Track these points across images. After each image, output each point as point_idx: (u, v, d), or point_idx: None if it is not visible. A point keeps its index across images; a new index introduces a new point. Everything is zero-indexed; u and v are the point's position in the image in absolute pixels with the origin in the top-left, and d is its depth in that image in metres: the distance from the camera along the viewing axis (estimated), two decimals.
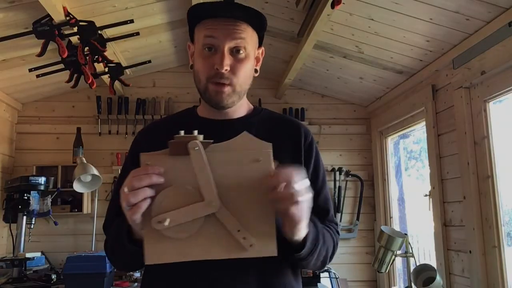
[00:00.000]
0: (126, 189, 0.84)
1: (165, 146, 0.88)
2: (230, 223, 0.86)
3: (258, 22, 1.08)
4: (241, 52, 1.04)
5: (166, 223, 0.84)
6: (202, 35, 1.05)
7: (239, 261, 0.89)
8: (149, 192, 0.84)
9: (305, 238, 0.96)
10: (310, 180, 1.12)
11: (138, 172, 0.85)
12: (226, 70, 1.03)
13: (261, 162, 0.88)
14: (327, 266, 1.16)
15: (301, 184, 0.87)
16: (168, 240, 0.86)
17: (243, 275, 1.00)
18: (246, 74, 1.07)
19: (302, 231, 0.93)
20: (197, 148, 0.85)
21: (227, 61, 1.02)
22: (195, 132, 0.88)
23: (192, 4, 2.46)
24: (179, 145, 0.86)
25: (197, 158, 0.86)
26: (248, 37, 1.05)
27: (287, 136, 1.14)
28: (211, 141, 0.88)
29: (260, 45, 1.14)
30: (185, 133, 0.87)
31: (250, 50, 1.06)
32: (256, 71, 1.13)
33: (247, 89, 1.11)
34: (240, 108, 1.15)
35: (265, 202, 0.87)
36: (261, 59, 1.16)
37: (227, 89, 1.05)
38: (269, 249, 0.87)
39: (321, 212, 1.13)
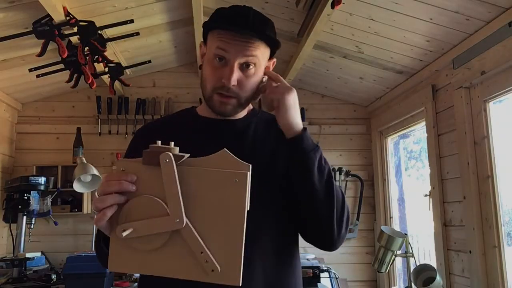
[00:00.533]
0: (96, 193, 0.84)
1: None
2: (193, 243, 0.82)
3: (272, 44, 1.09)
4: (251, 67, 1.05)
5: (126, 233, 0.82)
6: (215, 45, 1.04)
7: (245, 260, 0.88)
8: (117, 198, 0.83)
9: (304, 130, 1.04)
10: None
11: (111, 178, 0.84)
12: (233, 85, 1.03)
13: (237, 183, 0.83)
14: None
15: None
16: (132, 250, 0.84)
17: (248, 273, 1.00)
18: (252, 88, 1.08)
19: (298, 119, 1.04)
20: (168, 160, 0.82)
21: (235, 76, 1.03)
22: (172, 143, 0.84)
23: (192, 5, 2.48)
24: (152, 154, 0.83)
25: (167, 171, 0.82)
26: (260, 54, 1.06)
27: (282, 136, 1.15)
28: (187, 155, 0.84)
29: (271, 57, 1.14)
30: (161, 143, 0.83)
31: (259, 64, 1.07)
32: (262, 81, 1.12)
33: (251, 100, 1.11)
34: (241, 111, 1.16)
35: (236, 227, 0.82)
36: (271, 69, 1.15)
37: (232, 102, 1.06)
38: (232, 277, 0.82)
39: None
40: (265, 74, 1.08)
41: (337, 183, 3.69)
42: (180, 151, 0.85)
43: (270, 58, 1.13)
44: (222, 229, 0.83)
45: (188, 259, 0.83)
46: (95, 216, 0.83)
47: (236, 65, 1.03)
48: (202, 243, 0.82)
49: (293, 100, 1.03)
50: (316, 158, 1.03)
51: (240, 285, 0.82)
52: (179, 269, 0.83)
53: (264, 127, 1.16)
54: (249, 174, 0.84)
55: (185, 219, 0.82)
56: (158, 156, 0.82)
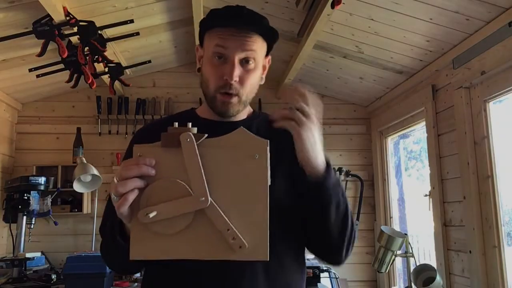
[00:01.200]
0: (115, 179, 0.83)
1: None
2: (219, 222, 0.82)
3: (270, 36, 1.09)
4: (251, 62, 1.05)
5: (152, 215, 0.81)
6: (213, 44, 1.05)
7: (248, 264, 0.87)
8: (138, 183, 0.82)
9: (327, 164, 0.97)
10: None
11: (129, 163, 0.83)
12: (235, 81, 1.03)
13: (257, 158, 0.83)
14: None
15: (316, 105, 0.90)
16: (154, 235, 0.82)
17: (252, 273, 0.99)
18: (253, 84, 1.08)
19: (320, 153, 0.95)
20: (189, 140, 0.82)
21: (237, 72, 1.03)
22: (189, 124, 0.85)
23: (192, 5, 2.48)
24: (172, 136, 0.83)
25: (188, 150, 0.82)
26: (258, 48, 1.06)
27: (286, 140, 1.14)
28: (205, 135, 0.85)
29: (267, 54, 1.14)
30: (179, 126, 0.84)
31: (259, 60, 1.07)
32: (262, 79, 1.13)
33: (252, 97, 1.11)
34: (242, 112, 1.15)
35: (260, 202, 0.83)
36: (267, 67, 1.16)
37: (234, 100, 1.06)
38: (260, 252, 0.82)
39: None
40: (283, 94, 1.04)
41: None
42: None
43: (266, 55, 1.14)
44: (246, 205, 0.83)
45: (213, 238, 0.82)
46: (116, 203, 0.82)
47: (236, 60, 1.03)
48: (227, 220, 0.82)
49: (312, 136, 0.93)
50: (335, 198, 0.99)
51: (268, 259, 0.82)
52: (206, 249, 0.83)
53: (266, 129, 1.15)
54: (268, 148, 0.85)
55: (209, 197, 0.82)
56: (177, 138, 0.82)
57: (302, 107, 0.93)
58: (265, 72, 1.16)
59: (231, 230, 0.82)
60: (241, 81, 1.05)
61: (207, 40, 1.09)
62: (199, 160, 0.82)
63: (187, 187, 0.82)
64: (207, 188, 0.82)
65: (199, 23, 1.11)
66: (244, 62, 1.05)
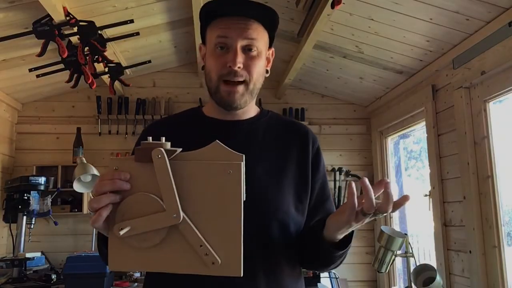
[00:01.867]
0: (91, 194, 0.84)
1: (172, 146, 0.86)
2: (192, 237, 0.82)
3: (270, 21, 1.08)
4: (253, 50, 1.04)
5: (123, 231, 0.81)
6: (215, 35, 1.05)
7: (248, 262, 0.87)
8: (112, 197, 0.82)
9: (351, 237, 0.98)
10: (319, 187, 1.13)
11: (104, 177, 0.83)
12: (239, 67, 1.02)
13: (231, 174, 0.82)
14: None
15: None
16: (131, 248, 0.83)
17: (252, 275, 0.99)
18: (259, 72, 1.06)
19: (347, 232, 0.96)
20: (160, 156, 0.81)
21: (240, 58, 1.02)
22: (163, 139, 0.83)
23: (192, 5, 2.48)
24: (144, 151, 0.82)
25: (160, 166, 0.81)
26: (260, 36, 1.05)
27: (294, 142, 1.13)
28: (179, 149, 0.83)
29: (270, 46, 1.13)
30: (153, 139, 0.83)
31: (261, 48, 1.06)
32: (267, 71, 1.13)
33: (259, 88, 1.10)
34: (249, 109, 1.14)
35: (233, 218, 0.82)
36: (271, 60, 1.15)
37: (240, 88, 1.04)
38: (233, 268, 0.82)
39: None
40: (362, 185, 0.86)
41: (337, 183, 3.70)
42: (184, 152, 0.84)
43: (269, 47, 1.13)
44: (220, 221, 0.82)
45: (188, 253, 0.82)
46: (91, 217, 0.83)
47: (239, 47, 1.02)
48: (200, 236, 0.82)
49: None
50: (341, 260, 1.05)
51: (242, 275, 0.82)
52: (180, 264, 0.83)
53: (275, 129, 1.14)
54: (243, 164, 0.83)
55: (181, 213, 0.82)
56: (150, 152, 0.81)
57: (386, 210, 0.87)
58: (270, 64, 1.15)
59: (204, 246, 0.82)
60: (246, 67, 1.03)
61: (208, 35, 1.09)
62: (171, 176, 0.82)
63: (161, 202, 0.82)
64: (179, 205, 0.82)
65: (200, 20, 1.11)
66: (247, 49, 1.04)
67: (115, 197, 0.82)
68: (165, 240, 0.83)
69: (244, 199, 0.83)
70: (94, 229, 3.46)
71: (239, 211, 0.82)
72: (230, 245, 0.82)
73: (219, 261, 0.82)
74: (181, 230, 0.82)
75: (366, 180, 0.84)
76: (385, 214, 0.86)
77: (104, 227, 0.84)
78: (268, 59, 1.13)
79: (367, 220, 0.88)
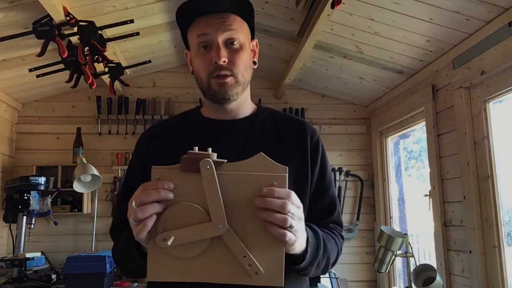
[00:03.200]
0: (134, 204, 0.82)
1: (168, 148, 0.86)
2: (236, 248, 0.83)
3: (245, 11, 1.09)
4: (235, 43, 1.05)
5: (170, 241, 0.81)
6: (195, 36, 1.06)
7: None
8: (157, 207, 0.81)
9: (305, 252, 0.93)
10: (317, 180, 1.12)
11: (148, 187, 0.82)
12: (224, 62, 1.03)
13: (275, 186, 0.83)
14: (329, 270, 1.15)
15: (293, 204, 0.83)
16: (172, 258, 0.83)
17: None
18: (245, 64, 1.07)
19: (297, 248, 0.90)
20: (209, 167, 0.81)
21: (223, 52, 1.03)
22: (209, 149, 0.83)
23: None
24: (191, 161, 0.82)
25: (207, 177, 0.82)
26: (239, 27, 1.06)
27: (292, 136, 1.13)
28: (225, 160, 0.84)
29: (253, 37, 1.14)
30: (199, 150, 0.83)
31: (243, 40, 1.07)
32: (254, 63, 1.14)
33: (248, 80, 1.10)
34: (244, 107, 1.14)
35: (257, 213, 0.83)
36: (257, 51, 1.16)
37: (229, 80, 1.05)
38: (276, 279, 0.83)
39: (325, 213, 1.13)
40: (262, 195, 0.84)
41: (337, 183, 3.70)
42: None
43: (252, 39, 1.14)
44: (263, 232, 0.83)
45: (230, 263, 0.83)
46: (134, 228, 0.82)
47: (220, 42, 1.03)
48: (244, 247, 0.83)
49: (294, 237, 0.85)
50: (313, 268, 0.98)
51: (283, 285, 0.83)
52: (222, 274, 0.84)
53: (273, 126, 1.14)
54: (287, 176, 0.84)
55: (227, 224, 0.82)
56: (197, 163, 0.81)
57: (285, 211, 0.83)
58: (256, 56, 1.15)
59: (247, 256, 0.83)
60: (231, 61, 1.04)
61: (190, 38, 1.10)
62: (218, 187, 0.82)
63: (205, 212, 0.83)
64: (225, 216, 0.82)
65: (178, 26, 1.11)
66: (229, 43, 1.05)
67: (160, 207, 0.82)
68: (207, 251, 0.84)
69: None
70: (94, 229, 3.49)
71: None
72: (272, 256, 0.84)
73: (263, 271, 0.83)
74: (226, 240, 0.83)
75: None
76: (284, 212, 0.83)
77: (146, 238, 0.83)
78: (253, 51, 1.14)
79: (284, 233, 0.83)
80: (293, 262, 0.95)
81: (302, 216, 0.88)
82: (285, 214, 0.82)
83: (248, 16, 1.10)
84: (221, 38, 1.03)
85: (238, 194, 0.83)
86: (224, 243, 0.83)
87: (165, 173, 0.84)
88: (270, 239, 0.83)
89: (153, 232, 0.82)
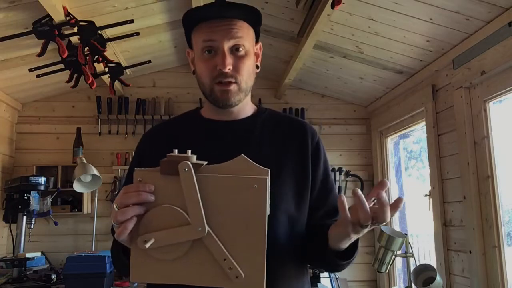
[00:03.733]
0: (115, 206, 0.83)
1: (168, 149, 0.86)
2: (216, 251, 0.82)
3: (253, 18, 1.09)
4: (241, 49, 1.05)
5: (149, 244, 0.81)
6: (200, 40, 1.06)
7: None
8: (137, 210, 0.82)
9: (355, 247, 0.99)
10: (321, 181, 1.13)
11: (129, 189, 0.83)
12: (229, 69, 1.03)
13: (256, 189, 0.82)
14: None
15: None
16: (154, 260, 0.83)
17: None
18: (249, 71, 1.07)
19: (349, 242, 0.96)
20: (187, 169, 0.81)
21: (229, 60, 1.03)
22: (189, 152, 0.84)
23: (192, 5, 2.48)
24: (170, 164, 0.82)
25: (186, 180, 0.81)
26: (245, 34, 1.06)
27: (292, 138, 1.13)
28: (205, 162, 0.84)
29: (257, 41, 1.14)
30: (178, 152, 0.83)
31: (249, 46, 1.07)
32: (257, 67, 1.14)
33: (251, 86, 1.10)
34: (245, 108, 1.15)
35: (257, 233, 0.82)
36: (260, 55, 1.16)
37: (233, 87, 1.05)
38: (256, 282, 0.82)
39: (332, 212, 1.13)
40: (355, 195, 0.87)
41: (337, 183, 3.70)
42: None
43: (256, 42, 1.14)
44: (244, 235, 0.83)
45: (211, 266, 0.83)
46: (116, 230, 0.82)
47: (226, 49, 1.03)
48: (224, 250, 0.82)
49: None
50: (350, 262, 1.04)
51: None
52: (203, 277, 0.83)
53: (273, 126, 1.14)
54: (268, 178, 0.84)
55: (206, 227, 0.82)
56: (176, 166, 0.81)
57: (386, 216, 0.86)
58: (259, 59, 1.16)
59: (228, 260, 0.82)
60: (236, 68, 1.04)
61: (194, 40, 1.10)
62: (197, 190, 0.82)
63: (186, 215, 0.82)
64: (204, 218, 0.82)
65: (183, 26, 1.12)
66: (234, 50, 1.05)
67: (140, 209, 0.82)
68: (188, 253, 0.83)
69: (268, 214, 0.84)
70: (94, 229, 3.49)
71: (263, 225, 0.83)
72: (253, 259, 0.82)
73: (243, 275, 0.82)
74: (206, 243, 0.82)
75: (359, 191, 0.85)
76: (384, 224, 0.86)
77: (128, 239, 0.83)
78: (257, 54, 1.14)
79: (367, 229, 0.88)
80: (343, 254, 0.98)
81: None
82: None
83: (255, 22, 1.10)
84: (227, 45, 1.03)
85: (218, 196, 0.83)
86: (205, 246, 0.83)
87: (146, 175, 0.83)
88: (252, 243, 0.82)
89: (134, 234, 0.82)
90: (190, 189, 0.81)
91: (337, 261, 1.00)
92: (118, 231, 0.82)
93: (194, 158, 0.83)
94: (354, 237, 0.91)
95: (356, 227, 0.87)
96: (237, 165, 0.85)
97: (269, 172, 0.85)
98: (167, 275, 0.84)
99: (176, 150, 0.83)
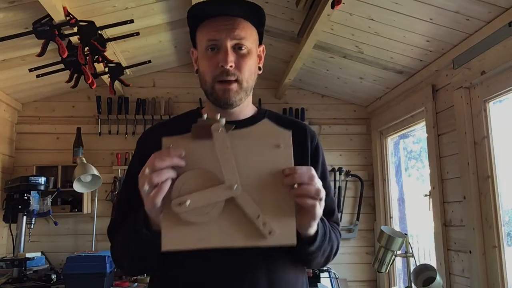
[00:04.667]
0: (147, 170, 0.83)
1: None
2: (250, 209, 0.85)
3: (257, 18, 1.09)
4: (243, 48, 1.06)
5: (187, 204, 0.82)
6: (205, 38, 1.06)
7: (250, 261, 0.87)
8: (171, 173, 0.83)
9: (316, 233, 0.97)
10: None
11: (161, 154, 0.84)
12: (231, 66, 1.03)
13: (281, 148, 0.88)
14: (327, 266, 1.16)
15: (319, 181, 0.88)
16: (186, 225, 0.84)
17: (253, 275, 1.00)
18: (250, 70, 1.08)
19: (315, 226, 0.95)
20: (221, 130, 0.86)
21: (231, 57, 1.03)
22: (218, 115, 0.88)
23: (193, 5, 2.48)
24: (202, 128, 0.86)
25: (220, 140, 0.86)
26: (248, 34, 1.07)
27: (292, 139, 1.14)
28: (233, 125, 0.88)
29: (260, 43, 1.15)
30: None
31: (251, 46, 1.08)
32: (259, 68, 1.14)
33: (252, 86, 1.11)
34: (245, 109, 1.15)
35: (286, 190, 0.86)
36: (263, 57, 1.17)
37: (234, 86, 1.06)
38: (289, 237, 0.85)
39: (328, 213, 1.13)
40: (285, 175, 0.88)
41: (337, 183, 3.70)
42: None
43: (260, 44, 1.14)
44: (273, 193, 0.86)
45: (244, 225, 0.85)
46: (148, 195, 0.83)
47: (229, 47, 1.04)
48: (257, 207, 0.85)
49: (321, 209, 0.91)
50: (320, 254, 1.03)
51: (296, 244, 0.86)
52: (237, 237, 0.85)
53: None
54: (291, 139, 0.89)
55: (240, 185, 0.85)
56: (208, 129, 0.86)
57: (315, 185, 0.88)
58: (262, 61, 1.16)
59: (261, 216, 0.85)
60: (238, 66, 1.05)
61: (198, 38, 1.10)
62: (230, 150, 0.86)
63: (218, 177, 0.85)
64: (238, 176, 0.85)
65: (188, 24, 1.12)
66: (237, 48, 1.05)
67: (173, 173, 0.84)
68: (220, 215, 0.85)
69: None
70: (94, 229, 3.48)
71: None
72: (284, 215, 0.86)
73: (276, 231, 0.85)
74: (239, 202, 0.85)
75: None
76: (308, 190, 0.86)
77: (160, 206, 0.84)
78: (259, 56, 1.15)
79: (312, 202, 0.87)
80: (304, 245, 0.97)
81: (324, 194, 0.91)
82: (316, 186, 0.86)
83: (259, 23, 1.11)
84: (229, 43, 1.04)
85: (247, 157, 0.87)
86: (237, 206, 0.85)
87: (176, 141, 0.88)
88: (281, 200, 0.86)
89: (166, 200, 0.84)
90: (224, 149, 0.86)
91: (306, 248, 0.97)
92: (153, 194, 0.82)
93: (223, 121, 0.88)
94: (310, 214, 0.89)
95: (303, 199, 0.87)
96: (262, 128, 0.91)
97: (291, 133, 0.90)
98: (201, 240, 0.85)
99: (206, 115, 0.88)
